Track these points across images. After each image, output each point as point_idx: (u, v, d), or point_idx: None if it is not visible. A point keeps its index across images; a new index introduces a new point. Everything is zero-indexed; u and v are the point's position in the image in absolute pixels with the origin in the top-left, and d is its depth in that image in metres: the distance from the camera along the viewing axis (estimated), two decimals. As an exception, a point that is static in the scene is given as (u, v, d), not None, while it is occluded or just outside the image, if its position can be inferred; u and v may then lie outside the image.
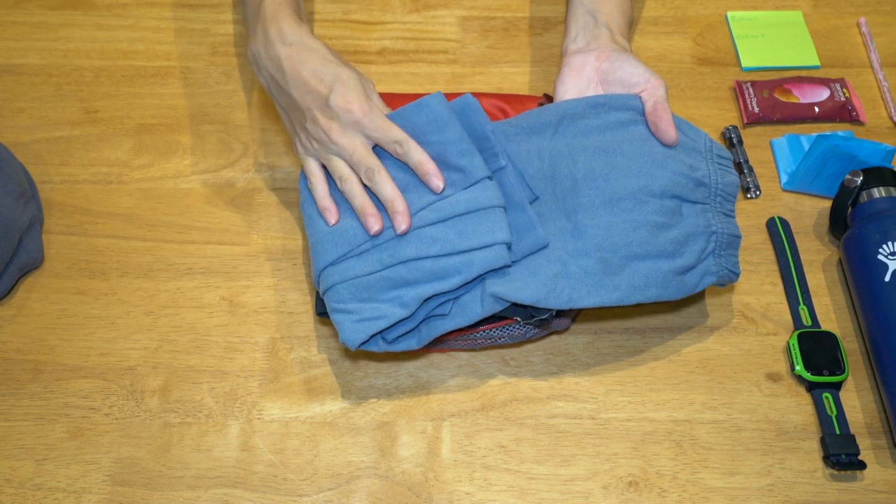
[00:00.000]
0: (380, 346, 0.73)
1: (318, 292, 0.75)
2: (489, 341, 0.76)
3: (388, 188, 0.73)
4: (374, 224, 0.72)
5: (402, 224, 0.72)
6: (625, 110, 0.78)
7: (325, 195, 0.76)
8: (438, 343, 0.76)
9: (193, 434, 0.75)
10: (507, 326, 0.75)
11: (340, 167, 0.74)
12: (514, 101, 0.87)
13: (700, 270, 0.74)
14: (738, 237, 0.76)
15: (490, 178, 0.74)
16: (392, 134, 0.73)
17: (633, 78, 0.78)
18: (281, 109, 0.79)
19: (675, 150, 0.76)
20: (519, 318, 0.73)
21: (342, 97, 0.73)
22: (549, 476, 0.74)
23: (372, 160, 0.73)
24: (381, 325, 0.71)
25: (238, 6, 0.83)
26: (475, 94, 0.88)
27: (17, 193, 0.80)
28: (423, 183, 0.74)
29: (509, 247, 0.72)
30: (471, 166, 0.73)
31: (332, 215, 0.75)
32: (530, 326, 0.75)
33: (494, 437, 0.75)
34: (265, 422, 0.76)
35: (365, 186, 0.74)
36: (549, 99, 0.87)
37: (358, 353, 0.79)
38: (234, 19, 1.00)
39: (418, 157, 0.73)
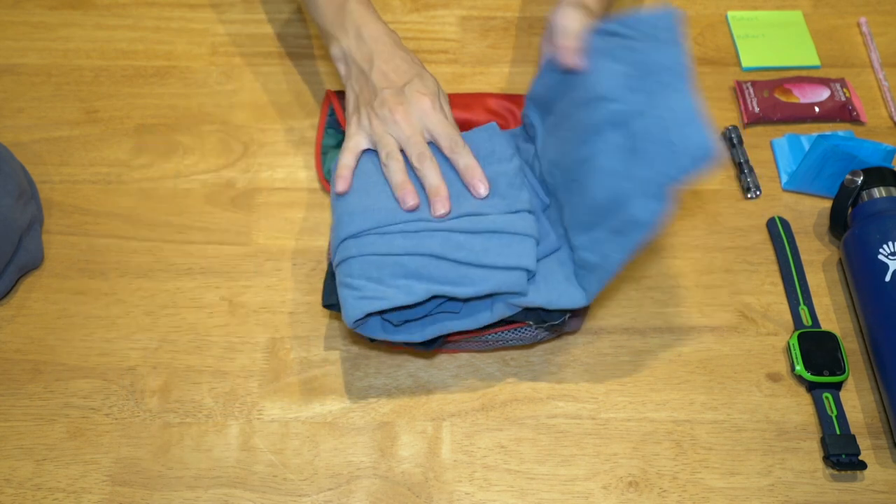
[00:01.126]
0: (380, 333, 0.72)
1: (325, 283, 0.75)
2: (500, 343, 0.76)
3: (434, 175, 0.75)
4: (411, 199, 0.74)
5: (440, 208, 0.74)
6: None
7: (350, 166, 0.78)
8: (449, 343, 0.76)
9: (193, 434, 0.75)
10: (518, 329, 0.75)
11: (391, 145, 0.77)
12: (522, 102, 0.88)
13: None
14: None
15: (531, 212, 0.75)
16: (451, 133, 0.76)
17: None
18: (351, 91, 0.81)
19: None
20: (531, 322, 0.73)
21: (418, 88, 0.77)
22: (549, 476, 0.74)
23: (425, 148, 0.76)
24: (380, 305, 0.70)
25: (304, 6, 0.85)
26: (483, 94, 0.89)
27: (16, 193, 0.80)
28: (465, 192, 0.75)
29: (531, 277, 0.72)
30: (517, 198, 0.75)
31: (344, 184, 0.77)
32: (542, 329, 0.75)
33: (494, 437, 0.75)
34: (265, 422, 0.76)
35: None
36: None
37: (358, 353, 0.79)
38: (234, 19, 1.00)
39: (469, 160, 0.76)
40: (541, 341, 0.78)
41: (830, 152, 0.85)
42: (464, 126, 0.86)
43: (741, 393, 0.78)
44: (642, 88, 0.69)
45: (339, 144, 0.89)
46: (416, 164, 0.76)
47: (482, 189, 0.75)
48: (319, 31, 0.86)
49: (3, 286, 0.80)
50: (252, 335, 0.80)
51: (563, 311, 0.73)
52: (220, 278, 0.83)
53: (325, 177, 0.87)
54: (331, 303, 0.74)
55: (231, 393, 0.77)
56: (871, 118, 0.94)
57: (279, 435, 0.75)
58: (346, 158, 0.78)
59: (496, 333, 0.75)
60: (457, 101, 0.87)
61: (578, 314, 0.77)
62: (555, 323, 0.73)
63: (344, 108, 0.87)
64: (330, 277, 0.75)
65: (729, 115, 0.94)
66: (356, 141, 0.78)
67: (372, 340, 0.74)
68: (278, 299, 0.82)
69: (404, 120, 0.76)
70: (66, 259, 0.84)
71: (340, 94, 0.88)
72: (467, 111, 0.87)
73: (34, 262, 0.82)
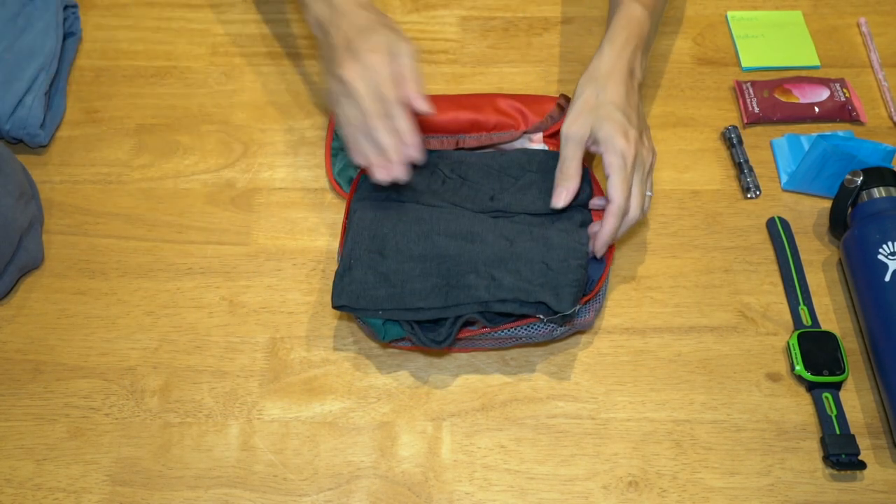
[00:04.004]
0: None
1: (335, 283, 0.75)
2: (513, 341, 0.77)
3: (385, 137, 0.73)
4: (382, 174, 0.74)
5: (397, 170, 0.74)
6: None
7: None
8: (460, 341, 0.76)
9: (193, 434, 0.75)
10: (531, 325, 0.75)
11: (356, 118, 0.74)
12: (532, 102, 0.88)
13: None
14: None
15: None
16: (386, 91, 0.73)
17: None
18: (322, 56, 0.80)
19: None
20: (542, 316, 0.73)
21: (369, 46, 0.74)
22: (549, 476, 0.74)
23: (375, 106, 0.73)
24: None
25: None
26: (492, 95, 0.88)
27: (17, 193, 0.80)
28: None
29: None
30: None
31: (383, 172, 0.75)
32: (554, 325, 0.75)
33: (494, 437, 0.75)
34: (265, 422, 0.76)
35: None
36: (566, 100, 0.88)
37: (358, 353, 0.79)
38: (234, 19, 1.00)
39: (405, 126, 0.73)
40: (554, 339, 0.78)
41: (830, 152, 0.85)
42: (472, 127, 0.86)
43: (741, 393, 0.78)
44: None
45: None
46: (369, 123, 0.73)
47: (414, 153, 0.73)
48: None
49: (3, 286, 0.80)
50: (252, 335, 0.80)
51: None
52: (220, 278, 0.83)
53: (335, 179, 0.87)
54: (341, 304, 0.74)
55: (231, 393, 0.77)
56: (870, 118, 0.94)
57: (279, 435, 0.75)
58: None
59: (509, 330, 0.75)
60: (466, 102, 0.87)
61: (591, 308, 0.77)
62: (565, 314, 0.73)
63: None
64: (339, 278, 0.75)
65: (729, 115, 0.94)
66: (338, 114, 0.77)
67: (384, 339, 0.75)
68: (278, 299, 0.82)
69: (356, 78, 0.73)
70: (66, 259, 0.84)
71: None
72: (476, 112, 0.86)
73: (34, 262, 0.82)
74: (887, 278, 0.77)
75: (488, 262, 0.75)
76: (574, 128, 0.77)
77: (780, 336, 0.81)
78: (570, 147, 0.77)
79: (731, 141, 0.91)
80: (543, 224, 0.79)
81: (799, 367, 0.77)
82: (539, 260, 0.75)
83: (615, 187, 0.75)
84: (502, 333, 0.75)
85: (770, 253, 0.85)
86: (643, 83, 0.82)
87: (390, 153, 0.74)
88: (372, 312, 0.74)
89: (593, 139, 0.77)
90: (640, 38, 0.80)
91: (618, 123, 0.75)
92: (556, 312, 0.72)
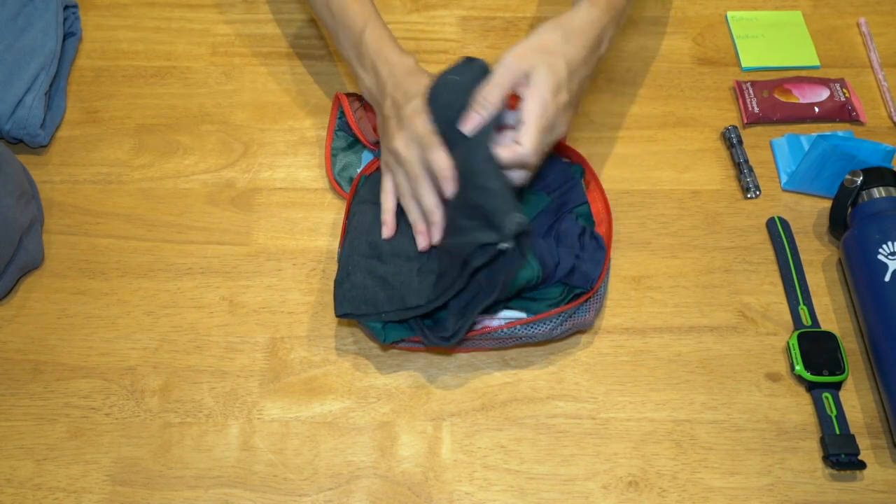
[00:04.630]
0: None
1: (335, 291, 0.75)
2: (514, 341, 0.77)
3: (426, 200, 0.75)
4: (423, 241, 0.76)
5: (435, 234, 0.75)
6: None
7: (391, 210, 0.79)
8: (463, 342, 0.76)
9: (193, 434, 0.75)
10: (531, 325, 0.75)
11: (404, 185, 0.77)
12: None
13: None
14: None
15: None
16: (423, 138, 0.73)
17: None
18: (378, 124, 0.82)
19: None
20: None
21: (413, 108, 0.75)
22: (549, 476, 0.74)
23: (419, 171, 0.74)
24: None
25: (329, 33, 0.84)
26: None
27: (17, 193, 0.80)
28: None
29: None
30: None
31: (388, 230, 0.78)
32: (555, 324, 0.75)
33: (494, 437, 0.75)
34: (265, 422, 0.76)
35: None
36: None
37: (358, 353, 0.79)
38: (234, 19, 1.00)
39: (441, 162, 0.72)
40: (554, 339, 0.78)
41: (830, 152, 0.85)
42: None
43: (741, 393, 0.78)
44: None
45: (348, 146, 0.89)
46: (416, 188, 0.75)
47: (448, 186, 0.72)
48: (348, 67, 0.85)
49: (3, 286, 0.80)
50: (252, 335, 0.80)
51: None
52: (220, 278, 0.83)
53: (335, 179, 0.87)
54: (344, 312, 0.74)
55: (231, 393, 0.77)
56: (870, 118, 0.94)
57: (279, 435, 0.75)
58: (388, 203, 0.79)
59: (509, 330, 0.75)
60: None
61: (591, 307, 0.77)
62: (516, 232, 0.67)
63: (354, 111, 0.87)
64: (338, 286, 0.75)
65: (729, 115, 0.94)
66: (387, 184, 0.79)
67: (384, 341, 0.75)
68: (278, 299, 0.82)
69: (403, 147, 0.75)
70: (66, 259, 0.84)
71: (350, 96, 0.88)
72: None
73: (34, 262, 0.82)
74: (887, 278, 0.77)
75: (457, 216, 0.72)
76: (518, 59, 0.71)
77: (779, 336, 0.81)
78: (505, 75, 0.71)
79: (731, 141, 0.91)
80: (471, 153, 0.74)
81: (799, 367, 0.77)
82: (475, 202, 0.70)
83: (528, 134, 0.69)
84: (502, 333, 0.75)
85: (770, 253, 0.85)
86: (604, 58, 0.79)
87: (432, 215, 0.74)
88: (375, 316, 0.74)
89: (527, 80, 0.71)
90: (616, 10, 0.77)
91: (557, 78, 0.71)
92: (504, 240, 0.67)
